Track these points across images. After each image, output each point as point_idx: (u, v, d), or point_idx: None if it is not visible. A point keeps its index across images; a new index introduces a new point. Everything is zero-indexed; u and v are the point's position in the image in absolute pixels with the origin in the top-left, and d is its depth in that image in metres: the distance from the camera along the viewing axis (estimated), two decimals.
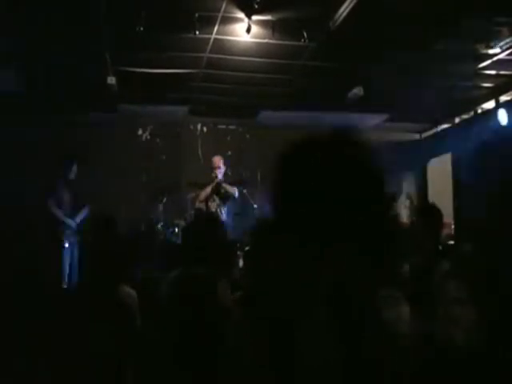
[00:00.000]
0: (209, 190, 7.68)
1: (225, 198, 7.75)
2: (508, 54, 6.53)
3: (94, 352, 2.68)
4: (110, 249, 3.30)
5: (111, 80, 6.98)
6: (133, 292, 3.38)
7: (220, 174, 7.75)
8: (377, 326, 1.12)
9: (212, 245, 2.67)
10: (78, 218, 7.39)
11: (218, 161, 7.86)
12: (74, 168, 7.46)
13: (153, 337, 2.57)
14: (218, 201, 7.74)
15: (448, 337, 3.13)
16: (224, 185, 7.71)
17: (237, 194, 7.86)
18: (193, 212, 8.28)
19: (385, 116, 9.58)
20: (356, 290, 1.07)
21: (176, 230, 8.20)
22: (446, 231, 7.76)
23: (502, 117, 7.83)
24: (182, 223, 8.07)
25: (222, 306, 2.51)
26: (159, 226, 8.42)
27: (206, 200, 7.75)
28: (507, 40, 6.13)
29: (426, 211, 3.89)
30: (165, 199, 8.61)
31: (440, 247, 3.93)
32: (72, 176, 7.46)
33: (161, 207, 8.56)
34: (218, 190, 7.69)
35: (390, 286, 2.30)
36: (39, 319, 2.74)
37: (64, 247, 7.15)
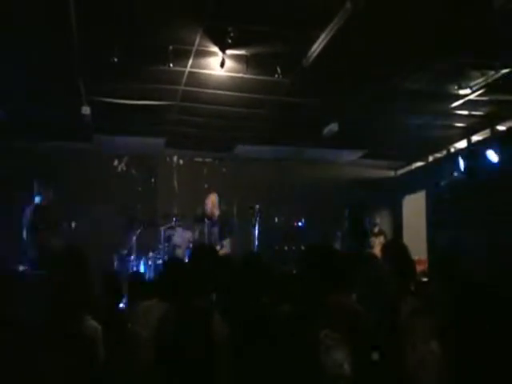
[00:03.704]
0: None
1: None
2: (478, 95, 6.66)
3: None
4: (76, 281, 3.23)
5: (85, 110, 6.95)
6: (97, 325, 3.30)
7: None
8: None
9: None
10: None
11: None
12: (49, 194, 7.26)
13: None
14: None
15: (415, 375, 3.09)
16: None
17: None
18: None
19: (360, 153, 9.67)
20: None
21: (149, 262, 8.10)
22: (420, 268, 7.75)
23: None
24: (156, 256, 7.98)
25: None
26: (131, 258, 8.31)
27: None
28: (477, 81, 6.27)
29: (388, 249, 3.83)
30: (139, 231, 8.52)
31: (411, 284, 3.89)
32: (47, 202, 7.25)
33: (134, 239, 8.46)
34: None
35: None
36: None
37: None
